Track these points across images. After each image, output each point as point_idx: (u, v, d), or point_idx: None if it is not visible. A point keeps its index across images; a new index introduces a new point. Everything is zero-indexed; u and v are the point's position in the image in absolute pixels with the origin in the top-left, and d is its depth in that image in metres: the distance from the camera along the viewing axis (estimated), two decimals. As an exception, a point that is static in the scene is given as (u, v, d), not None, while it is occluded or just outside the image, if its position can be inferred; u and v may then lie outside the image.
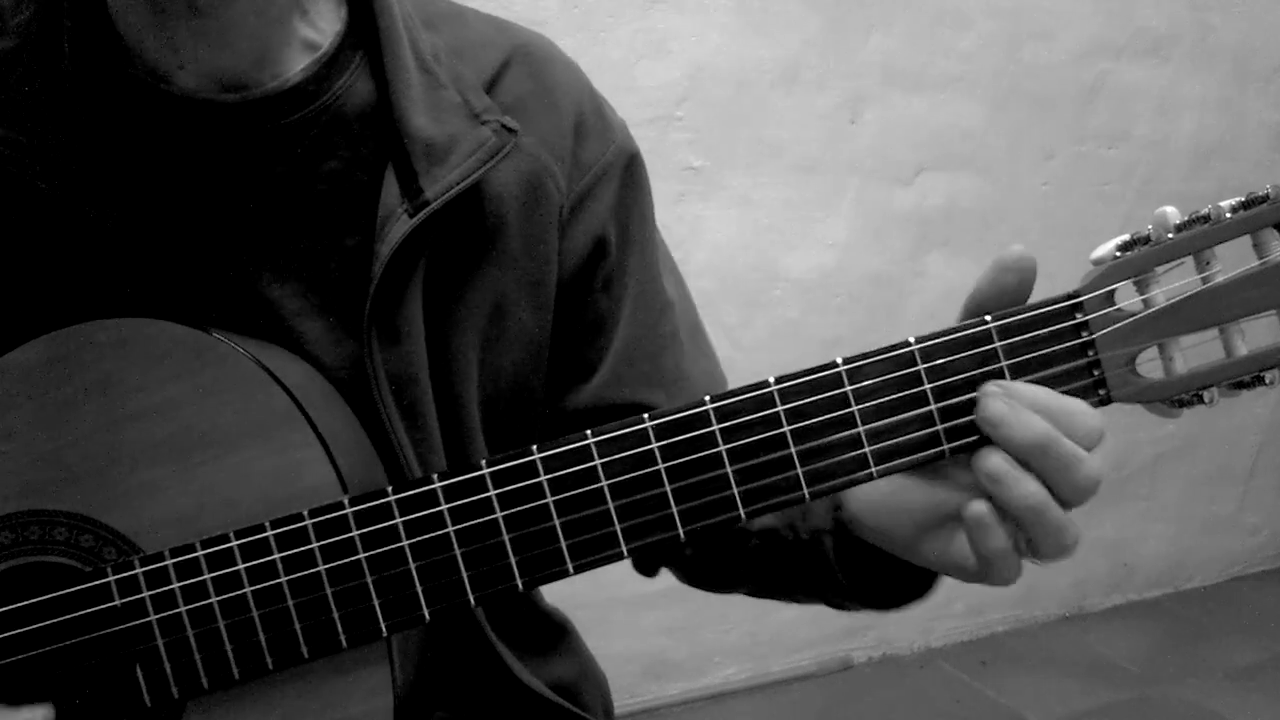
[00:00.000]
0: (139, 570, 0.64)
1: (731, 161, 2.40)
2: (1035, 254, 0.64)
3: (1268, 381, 0.63)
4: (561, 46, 0.87)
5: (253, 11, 0.71)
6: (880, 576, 0.75)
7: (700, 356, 0.89)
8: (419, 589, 0.64)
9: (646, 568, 0.91)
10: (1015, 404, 0.61)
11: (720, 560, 0.86)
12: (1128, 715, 2.46)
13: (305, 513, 0.64)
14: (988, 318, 0.64)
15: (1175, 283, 0.64)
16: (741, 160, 2.41)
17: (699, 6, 2.32)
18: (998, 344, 0.64)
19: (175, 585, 0.64)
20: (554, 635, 0.94)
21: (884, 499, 0.68)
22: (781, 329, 2.50)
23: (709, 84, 2.35)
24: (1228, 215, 0.63)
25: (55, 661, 0.65)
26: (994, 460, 0.61)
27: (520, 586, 0.64)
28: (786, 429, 0.64)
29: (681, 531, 0.64)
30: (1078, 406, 0.62)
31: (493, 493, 0.64)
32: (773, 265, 2.48)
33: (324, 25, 0.76)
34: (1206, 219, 0.63)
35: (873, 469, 0.64)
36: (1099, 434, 0.61)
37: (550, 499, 0.64)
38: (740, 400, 0.64)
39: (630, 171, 0.86)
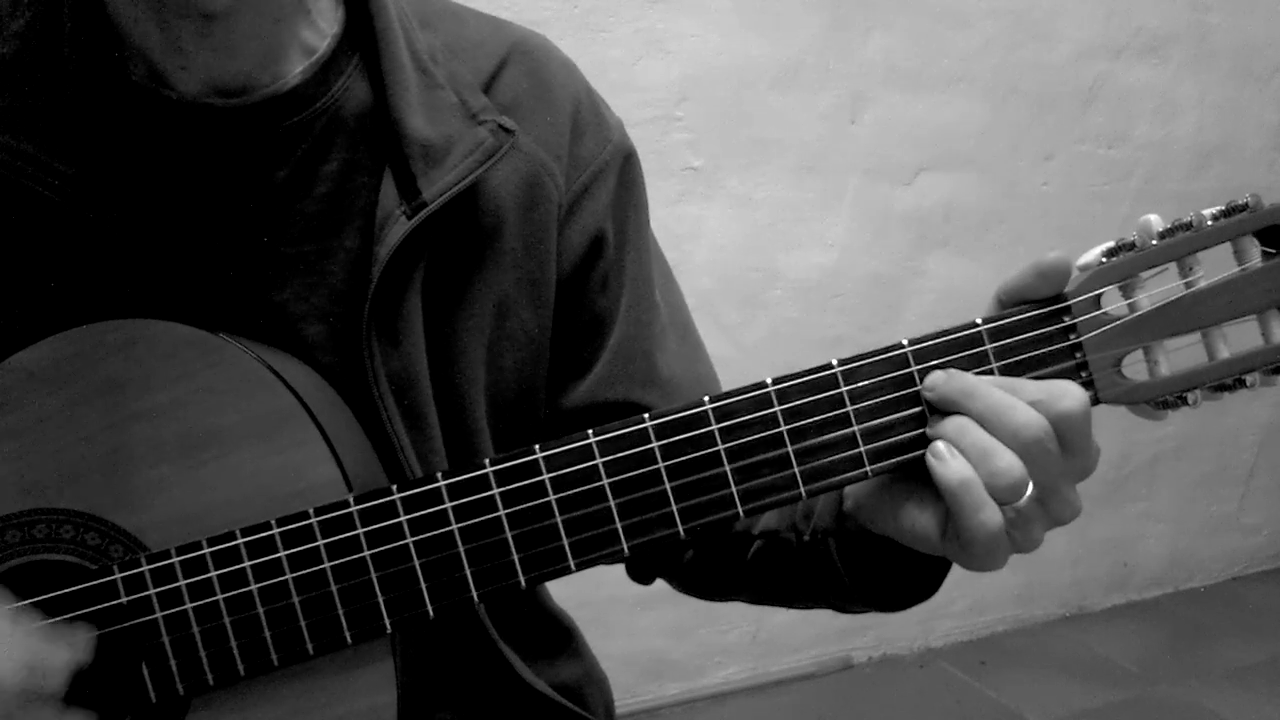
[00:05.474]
0: (145, 568, 0.65)
1: (731, 161, 2.41)
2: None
3: (1248, 384, 0.65)
4: (561, 46, 0.88)
5: (260, 15, 0.71)
6: (884, 575, 0.75)
7: (692, 357, 0.90)
8: (423, 586, 0.65)
9: (642, 575, 0.91)
10: (953, 372, 0.65)
11: (720, 566, 0.86)
12: (1128, 715, 2.47)
13: (310, 510, 0.65)
14: (978, 320, 0.66)
15: (1159, 288, 0.65)
16: (741, 160, 2.42)
17: (699, 6, 2.32)
18: (988, 346, 0.65)
19: (181, 583, 0.65)
20: (560, 637, 0.95)
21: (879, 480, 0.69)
22: (781, 329, 2.50)
23: (709, 84, 2.35)
24: (1209, 223, 0.65)
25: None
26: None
27: (523, 583, 0.65)
28: (783, 428, 0.65)
29: (681, 529, 0.65)
30: (1019, 380, 0.64)
31: (496, 491, 0.65)
32: (772, 265, 2.49)
33: (324, 26, 0.77)
34: (1189, 226, 0.65)
35: (867, 467, 0.65)
36: (1042, 392, 0.63)
37: (552, 497, 0.65)
38: (738, 400, 0.65)
39: (627, 170, 0.86)
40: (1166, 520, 3.02)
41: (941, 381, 0.64)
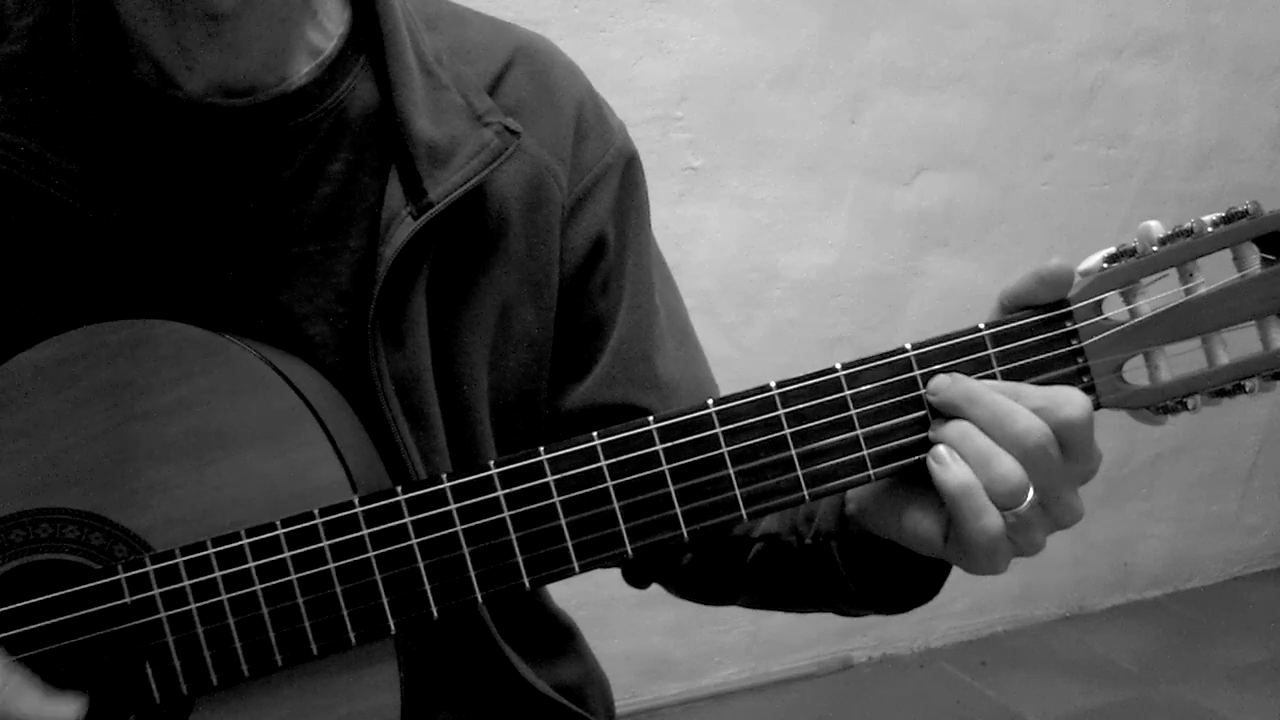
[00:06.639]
0: (150, 568, 0.65)
1: (731, 161, 2.41)
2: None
3: (1247, 389, 0.66)
4: (561, 46, 0.88)
5: (267, 16, 0.71)
6: (887, 577, 0.75)
7: (690, 360, 0.90)
8: (427, 587, 0.65)
9: (638, 579, 0.92)
10: (957, 376, 0.65)
11: (719, 570, 0.86)
12: (1128, 715, 2.47)
13: (315, 511, 0.65)
14: (981, 325, 0.66)
15: (1160, 294, 0.66)
16: (741, 160, 2.42)
17: (699, 6, 2.32)
18: (991, 350, 0.65)
19: (186, 583, 0.65)
20: (561, 638, 0.95)
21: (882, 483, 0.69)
22: (781, 329, 2.50)
23: (709, 84, 2.35)
24: (1209, 229, 0.65)
25: (65, 658, 0.66)
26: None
27: (527, 585, 0.65)
28: (787, 432, 0.65)
29: (685, 532, 0.65)
30: (1023, 385, 0.64)
31: (500, 492, 0.65)
32: (772, 265, 2.49)
33: (330, 27, 0.77)
34: (1189, 233, 0.65)
35: (870, 471, 0.65)
36: (1045, 399, 0.63)
37: (557, 499, 0.65)
38: (742, 403, 0.65)
39: (629, 173, 0.87)
40: (1166, 520, 3.03)
41: (945, 386, 0.65)
